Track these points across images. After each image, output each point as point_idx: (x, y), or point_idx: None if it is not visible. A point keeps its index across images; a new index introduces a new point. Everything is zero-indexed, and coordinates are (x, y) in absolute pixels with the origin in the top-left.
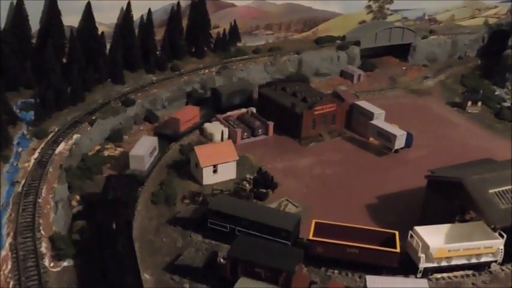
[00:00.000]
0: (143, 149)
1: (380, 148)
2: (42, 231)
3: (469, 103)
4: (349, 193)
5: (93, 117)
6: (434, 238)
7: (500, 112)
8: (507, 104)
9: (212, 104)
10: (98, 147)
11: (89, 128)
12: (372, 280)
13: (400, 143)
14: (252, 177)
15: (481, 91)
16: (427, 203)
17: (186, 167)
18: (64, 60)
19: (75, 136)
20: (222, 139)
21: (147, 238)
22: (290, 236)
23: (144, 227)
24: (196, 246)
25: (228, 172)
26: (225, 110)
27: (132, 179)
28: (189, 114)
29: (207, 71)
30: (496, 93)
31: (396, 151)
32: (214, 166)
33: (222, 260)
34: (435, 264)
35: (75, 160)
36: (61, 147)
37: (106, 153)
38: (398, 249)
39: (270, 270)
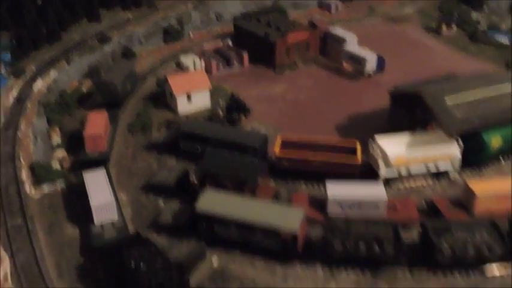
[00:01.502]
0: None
1: (353, 73)
2: (22, 161)
3: (444, 27)
4: (321, 116)
5: (70, 55)
6: (393, 147)
7: (474, 35)
8: (482, 27)
9: (104, 99)
10: (76, 84)
11: (66, 66)
12: (331, 185)
13: (371, 66)
14: (224, 103)
15: (456, 14)
16: (391, 117)
17: (162, 98)
18: (39, 2)
19: (52, 74)
20: None
21: (124, 164)
22: (257, 152)
23: (121, 154)
24: (170, 168)
25: (202, 101)
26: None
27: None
28: (102, 123)
29: (183, 6)
30: (472, 16)
31: (369, 75)
32: (188, 95)
33: (193, 177)
34: (395, 173)
35: (54, 96)
36: (39, 84)
37: (84, 89)
38: (359, 159)
39: (236, 181)
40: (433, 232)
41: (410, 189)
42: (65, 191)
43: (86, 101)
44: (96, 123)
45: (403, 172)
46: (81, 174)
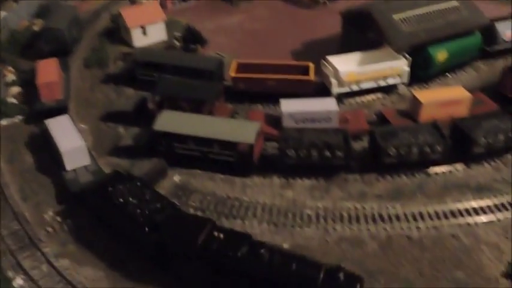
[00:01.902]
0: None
1: (308, 2)
2: None
3: None
4: (277, 44)
5: None
6: (345, 64)
7: None
8: None
9: (51, 47)
10: (26, 24)
11: (14, 5)
12: (285, 103)
13: None
14: (181, 34)
15: None
16: (344, 40)
17: (117, 34)
18: None
19: (2, 14)
20: None
21: (82, 96)
22: (213, 76)
23: (79, 87)
24: (128, 97)
25: (157, 33)
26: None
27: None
28: (54, 70)
29: None
30: None
31: (324, 3)
32: (143, 27)
33: (151, 103)
34: (346, 89)
35: (5, 36)
36: None
37: (36, 28)
38: (312, 77)
39: (193, 102)
40: (380, 137)
41: (362, 103)
42: (23, 122)
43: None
44: (48, 70)
45: (355, 88)
46: (43, 123)
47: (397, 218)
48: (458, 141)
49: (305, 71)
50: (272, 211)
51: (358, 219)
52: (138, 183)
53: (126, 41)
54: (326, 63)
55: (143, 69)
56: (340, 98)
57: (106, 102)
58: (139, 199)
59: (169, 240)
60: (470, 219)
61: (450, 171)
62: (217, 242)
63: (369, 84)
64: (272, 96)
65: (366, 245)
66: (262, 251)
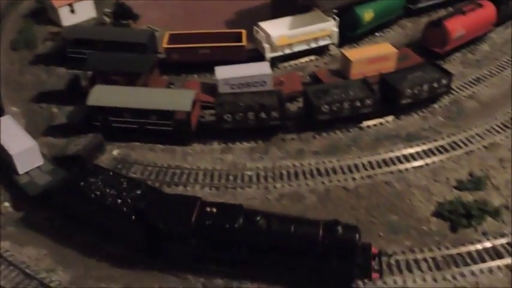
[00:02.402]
0: None
1: None
2: None
3: None
4: (209, 14)
5: None
6: (276, 29)
7: None
8: None
9: None
10: None
11: None
12: (220, 70)
13: None
14: (111, 11)
15: None
16: (274, 5)
17: (44, 14)
18: None
19: None
20: None
21: (11, 79)
22: (146, 49)
23: (8, 70)
24: (59, 76)
25: (86, 11)
26: None
27: None
28: None
29: None
30: None
31: None
32: (70, 5)
33: (83, 80)
34: (280, 53)
35: None
36: None
37: None
38: (244, 43)
39: (126, 76)
40: (313, 95)
41: (296, 66)
42: None
43: None
44: None
45: (287, 51)
46: None
47: (334, 171)
48: (387, 95)
49: (238, 38)
50: (213, 175)
51: (297, 176)
52: (111, 173)
53: (54, 21)
54: (258, 29)
55: (73, 47)
56: (275, 62)
57: (37, 83)
58: (117, 189)
59: (161, 224)
60: (401, 166)
61: (381, 124)
62: (211, 217)
63: (301, 46)
64: (207, 66)
65: (305, 199)
66: (258, 218)
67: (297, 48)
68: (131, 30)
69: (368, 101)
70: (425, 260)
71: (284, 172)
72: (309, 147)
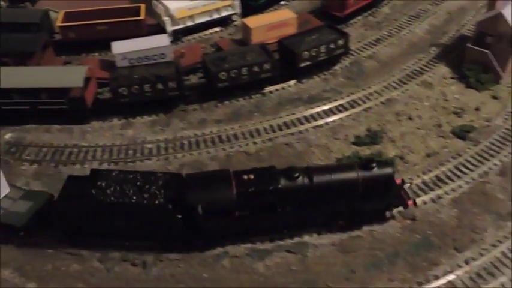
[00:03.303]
0: None
1: None
2: None
3: None
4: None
5: None
6: (175, 2)
7: None
8: None
9: None
10: None
11: None
12: (117, 45)
13: None
14: None
15: None
16: None
17: None
18: None
19: None
20: None
21: None
22: (40, 29)
23: None
24: None
25: None
26: None
27: None
28: None
29: None
30: None
31: None
32: None
33: None
34: (182, 26)
35: None
36: None
37: None
38: (143, 17)
39: (16, 56)
40: (210, 63)
41: (201, 39)
42: None
43: None
44: None
45: (190, 23)
46: None
47: (235, 137)
48: (286, 59)
49: (137, 12)
50: (112, 151)
51: (198, 145)
52: (114, 173)
53: None
54: (157, 3)
55: None
56: (177, 35)
57: None
58: (135, 186)
59: (204, 205)
60: (301, 127)
61: (283, 88)
62: (252, 184)
63: (203, 18)
64: (108, 43)
65: (206, 166)
66: (297, 174)
67: (199, 20)
68: (23, 11)
69: (266, 66)
70: None
71: (185, 142)
72: (211, 116)
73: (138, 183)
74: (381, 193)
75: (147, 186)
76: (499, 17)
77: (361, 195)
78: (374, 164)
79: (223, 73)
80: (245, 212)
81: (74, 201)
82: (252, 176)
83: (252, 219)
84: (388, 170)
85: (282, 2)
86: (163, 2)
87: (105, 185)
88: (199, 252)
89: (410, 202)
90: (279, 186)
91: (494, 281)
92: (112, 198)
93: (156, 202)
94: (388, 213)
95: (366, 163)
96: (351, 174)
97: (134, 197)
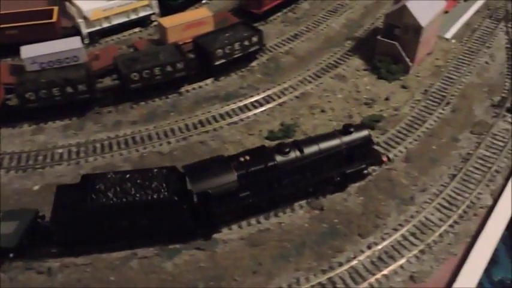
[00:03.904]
0: None
1: None
2: None
3: None
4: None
5: None
6: (89, 3)
7: None
8: None
9: None
10: None
11: None
12: (26, 49)
13: None
14: None
15: None
16: None
17: None
18: None
19: None
20: None
21: None
22: None
23: None
24: None
25: None
26: None
27: None
28: None
29: None
30: None
31: None
32: None
33: None
34: (98, 27)
35: None
36: None
37: None
38: (55, 19)
39: None
40: (121, 65)
41: (119, 40)
42: None
43: None
44: None
45: (106, 25)
46: None
47: (149, 138)
48: (202, 57)
49: (50, 15)
50: (21, 158)
51: (111, 147)
52: (109, 176)
53: None
54: (70, 4)
55: None
56: (94, 37)
57: None
58: (136, 184)
59: (211, 191)
60: (216, 125)
61: (200, 87)
62: (250, 165)
63: (121, 19)
64: (17, 46)
65: (118, 168)
66: (287, 149)
67: (116, 21)
68: None
69: (179, 65)
70: None
71: (98, 145)
72: (126, 118)
73: (138, 181)
74: (362, 154)
75: (147, 183)
76: (404, 9)
77: (345, 158)
78: (352, 129)
79: (135, 74)
80: (246, 192)
81: (73, 210)
82: (247, 157)
83: (253, 198)
84: (365, 132)
85: (203, 1)
86: (76, 3)
87: (105, 187)
88: (107, 255)
89: (384, 159)
90: (276, 162)
91: (394, 263)
92: (115, 199)
93: (162, 196)
94: (365, 172)
95: (345, 129)
96: (335, 141)
97: (138, 195)
